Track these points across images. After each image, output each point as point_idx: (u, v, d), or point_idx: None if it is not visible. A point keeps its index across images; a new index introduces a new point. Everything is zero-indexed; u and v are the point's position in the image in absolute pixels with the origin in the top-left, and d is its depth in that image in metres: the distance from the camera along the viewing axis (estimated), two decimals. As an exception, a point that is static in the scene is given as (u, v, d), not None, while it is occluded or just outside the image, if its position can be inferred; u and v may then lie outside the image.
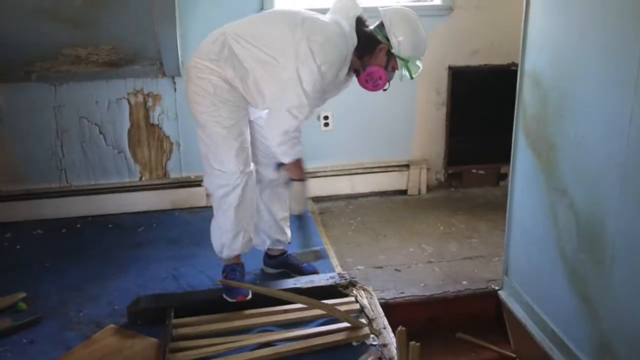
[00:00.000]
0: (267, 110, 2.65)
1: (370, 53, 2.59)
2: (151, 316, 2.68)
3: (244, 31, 2.60)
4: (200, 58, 2.61)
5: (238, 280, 2.79)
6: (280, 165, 2.78)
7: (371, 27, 2.61)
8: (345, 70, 2.60)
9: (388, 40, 2.54)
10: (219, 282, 2.77)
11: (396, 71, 2.62)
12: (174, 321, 2.62)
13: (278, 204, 2.99)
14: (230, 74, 2.57)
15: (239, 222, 2.72)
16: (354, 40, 2.55)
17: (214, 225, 2.80)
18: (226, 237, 2.75)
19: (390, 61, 2.59)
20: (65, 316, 2.79)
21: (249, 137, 2.71)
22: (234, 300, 2.72)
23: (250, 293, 2.73)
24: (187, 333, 2.58)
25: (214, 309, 2.71)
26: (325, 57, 2.48)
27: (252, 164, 2.72)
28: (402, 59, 2.55)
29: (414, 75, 2.58)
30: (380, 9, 2.58)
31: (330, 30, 2.52)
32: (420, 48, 2.58)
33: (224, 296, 2.73)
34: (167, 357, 2.39)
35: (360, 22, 2.59)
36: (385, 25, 2.55)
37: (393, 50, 2.55)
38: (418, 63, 2.58)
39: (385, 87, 2.65)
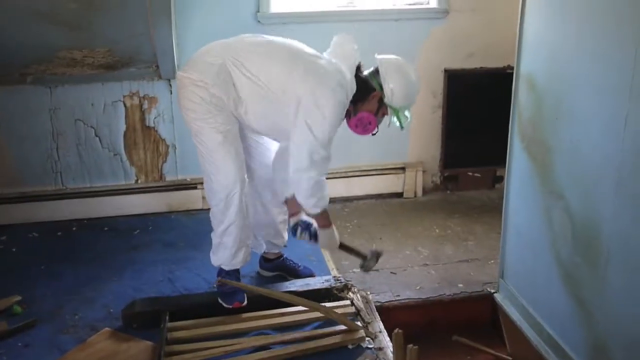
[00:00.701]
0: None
1: (363, 99, 2.60)
2: (147, 319, 2.67)
3: (244, 59, 2.56)
4: (193, 75, 2.57)
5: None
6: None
7: (366, 73, 2.62)
8: (344, 115, 2.61)
9: (382, 88, 2.56)
10: (217, 282, 2.75)
11: (385, 116, 2.64)
12: (170, 324, 2.61)
13: (277, 207, 2.98)
14: (224, 97, 2.56)
15: (242, 238, 2.72)
16: (353, 88, 2.57)
17: (216, 242, 2.77)
18: (228, 254, 2.74)
19: (381, 108, 2.62)
20: (61, 319, 2.78)
21: (241, 143, 2.71)
22: (230, 307, 2.72)
23: (246, 299, 2.73)
24: (183, 336, 2.57)
25: (209, 312, 2.71)
26: (334, 110, 2.49)
27: (246, 176, 2.72)
28: (393, 108, 2.57)
29: (404, 126, 2.61)
30: (377, 57, 2.60)
31: (333, 81, 2.50)
32: (412, 99, 2.60)
33: (220, 301, 2.73)
34: (163, 360, 2.39)
35: (357, 69, 2.61)
36: (380, 73, 2.55)
37: (385, 100, 2.56)
38: (407, 113, 2.60)
39: (374, 132, 2.67)
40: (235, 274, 2.82)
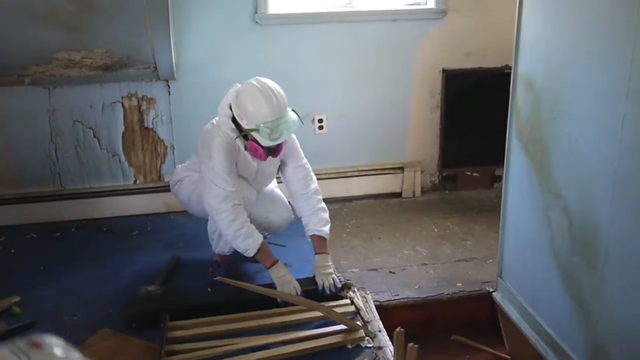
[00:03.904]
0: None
1: (242, 134, 2.76)
2: (146, 319, 2.68)
3: None
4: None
5: (220, 275, 2.91)
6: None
7: None
8: (244, 154, 2.84)
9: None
10: (218, 279, 2.79)
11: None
12: (169, 324, 2.62)
13: (276, 211, 3.10)
14: None
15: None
16: (229, 132, 2.77)
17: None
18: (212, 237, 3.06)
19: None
20: (59, 320, 2.78)
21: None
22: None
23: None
24: (182, 336, 2.58)
25: (209, 312, 2.71)
26: (217, 150, 2.78)
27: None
28: (251, 130, 2.66)
29: (263, 144, 2.68)
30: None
31: (217, 131, 2.82)
32: (258, 117, 2.65)
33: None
34: (162, 360, 2.39)
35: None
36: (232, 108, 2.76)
37: (245, 128, 2.69)
38: (266, 131, 2.63)
39: (271, 156, 2.80)
40: (223, 265, 3.11)
